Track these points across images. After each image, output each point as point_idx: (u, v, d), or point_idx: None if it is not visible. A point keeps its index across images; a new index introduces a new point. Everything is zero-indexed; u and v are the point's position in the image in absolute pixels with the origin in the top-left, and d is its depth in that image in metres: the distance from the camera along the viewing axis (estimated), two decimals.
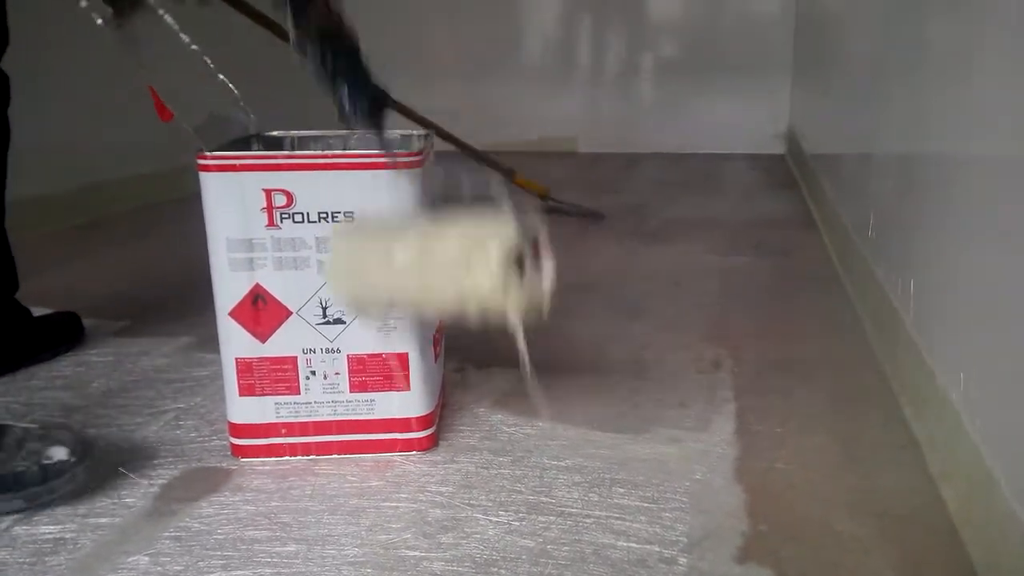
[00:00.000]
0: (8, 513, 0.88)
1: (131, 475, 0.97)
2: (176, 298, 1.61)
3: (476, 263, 0.84)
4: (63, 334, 1.36)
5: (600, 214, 2.35)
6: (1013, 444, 0.77)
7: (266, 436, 1.01)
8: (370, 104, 0.91)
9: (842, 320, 1.48)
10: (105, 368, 1.29)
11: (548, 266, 0.85)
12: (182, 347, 1.37)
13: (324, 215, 0.95)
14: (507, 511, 0.90)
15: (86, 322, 1.41)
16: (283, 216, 0.95)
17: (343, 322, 0.98)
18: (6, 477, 0.90)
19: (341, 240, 0.94)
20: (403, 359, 1.00)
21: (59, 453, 0.93)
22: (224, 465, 1.00)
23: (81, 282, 1.78)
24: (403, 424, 1.02)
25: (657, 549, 0.84)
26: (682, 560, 0.82)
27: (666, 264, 1.89)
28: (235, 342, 0.98)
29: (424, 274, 0.87)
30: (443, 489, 0.95)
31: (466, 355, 1.30)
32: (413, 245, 0.88)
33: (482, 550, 0.83)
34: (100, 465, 0.95)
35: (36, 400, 1.18)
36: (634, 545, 0.84)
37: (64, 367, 1.29)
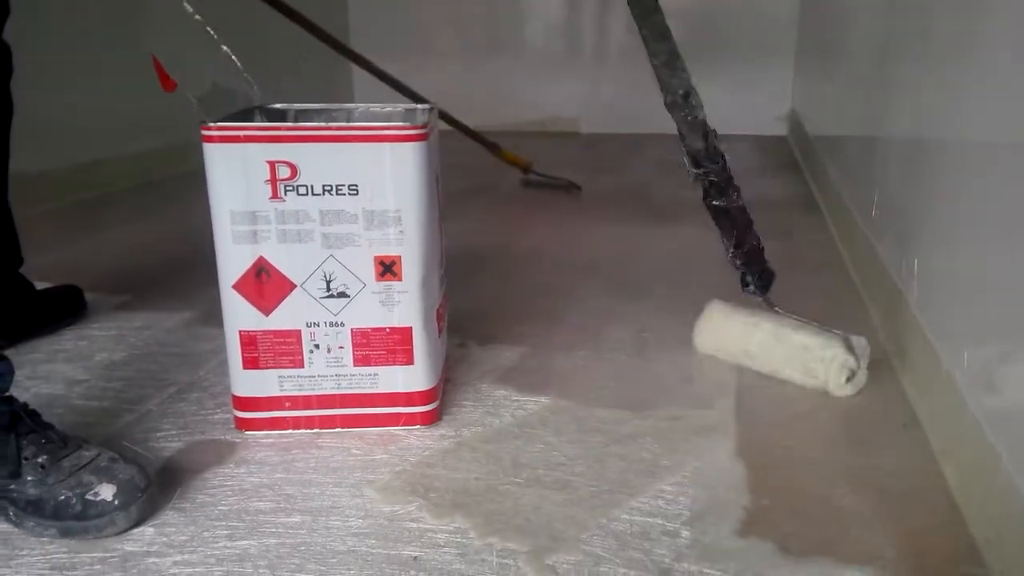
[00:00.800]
0: (40, 537, 0.82)
1: (136, 448, 0.98)
2: (178, 273, 1.61)
3: (816, 370, 1.12)
4: (65, 307, 1.36)
5: (577, 186, 2.45)
6: (1016, 421, 0.77)
7: (270, 409, 1.01)
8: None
9: (845, 300, 1.48)
10: (107, 342, 1.29)
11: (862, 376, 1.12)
12: (185, 322, 1.37)
13: (328, 187, 0.95)
14: (510, 484, 0.91)
15: (88, 296, 1.41)
16: (287, 188, 0.95)
17: (347, 296, 0.98)
18: (46, 503, 0.82)
19: (717, 306, 1.26)
20: (406, 333, 1.00)
21: (106, 492, 0.82)
22: (228, 438, 1.01)
23: (83, 257, 1.78)
24: (406, 398, 1.02)
25: (660, 522, 0.84)
26: (684, 533, 0.82)
27: (669, 244, 1.89)
28: (239, 315, 0.98)
29: (771, 356, 1.17)
30: (446, 462, 0.95)
31: (468, 332, 1.31)
32: (770, 330, 1.18)
33: (485, 522, 0.84)
34: (144, 508, 0.85)
35: (39, 373, 1.18)
36: (637, 518, 0.85)
37: (66, 340, 1.29)
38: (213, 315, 1.34)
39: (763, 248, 1.23)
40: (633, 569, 0.77)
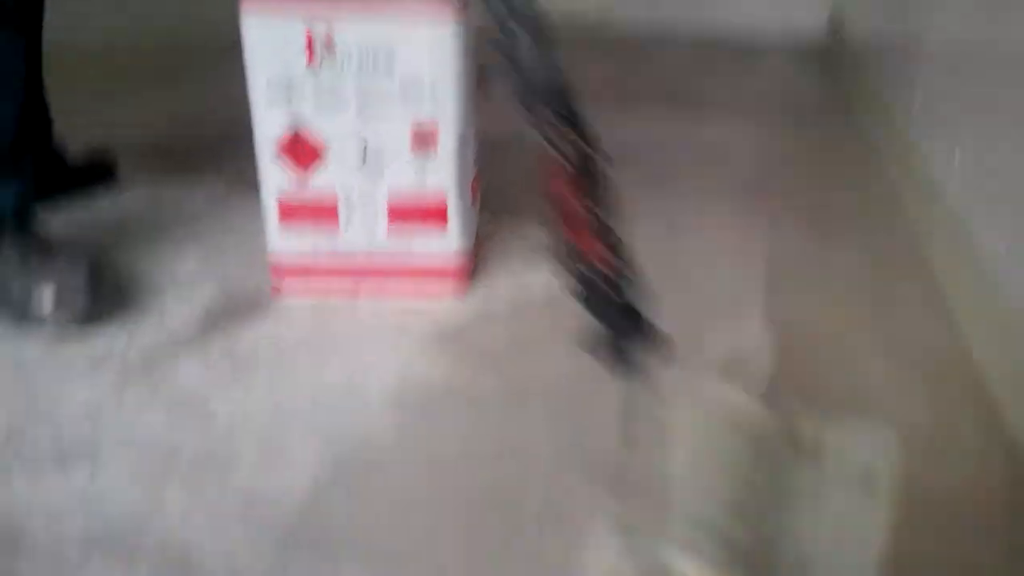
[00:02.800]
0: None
1: (177, 298, 1.00)
2: (210, 146, 1.61)
3: None
4: (99, 173, 1.37)
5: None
6: None
7: (306, 273, 1.03)
8: None
9: (879, 191, 1.47)
10: (140, 209, 1.31)
11: None
12: (219, 192, 1.37)
13: (364, 56, 0.94)
14: (543, 355, 0.92)
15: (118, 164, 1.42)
16: (324, 56, 0.94)
17: (381, 163, 0.98)
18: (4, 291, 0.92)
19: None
20: (440, 202, 1.01)
21: (47, 294, 0.91)
22: (265, 300, 1.03)
23: (112, 128, 1.78)
24: (440, 267, 1.04)
25: (687, 374, 0.86)
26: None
27: (701, 137, 1.86)
28: (275, 180, 0.99)
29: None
30: (479, 328, 0.97)
31: (499, 209, 1.31)
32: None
33: (519, 382, 0.86)
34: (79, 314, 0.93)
35: (74, 238, 1.20)
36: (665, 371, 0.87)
37: (100, 207, 1.31)
38: (246, 186, 1.35)
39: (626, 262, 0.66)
40: None
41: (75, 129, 1.37)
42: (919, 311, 1.02)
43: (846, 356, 0.91)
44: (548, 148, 0.59)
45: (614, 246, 0.62)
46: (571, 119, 0.59)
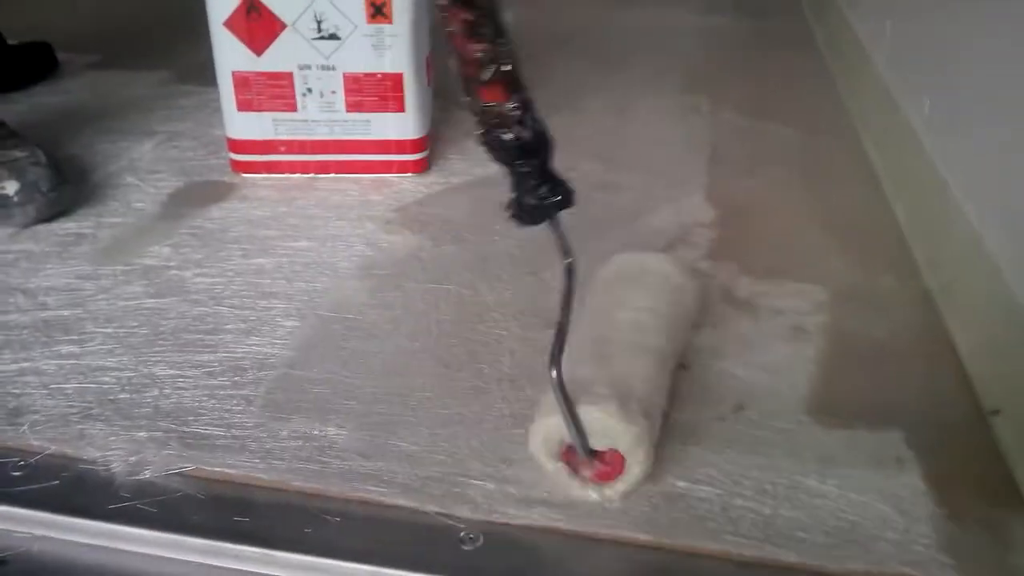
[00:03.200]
0: None
1: (138, 183, 1.01)
2: (147, 34, 1.57)
3: None
4: (38, 62, 1.33)
5: None
6: (966, 154, 0.85)
7: (265, 152, 1.04)
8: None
9: (815, 72, 1.52)
10: (85, 96, 1.28)
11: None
12: (162, 79, 1.35)
13: None
14: (503, 224, 0.96)
15: (59, 56, 1.38)
16: None
17: (338, 37, 0.99)
18: None
19: None
20: (397, 80, 1.02)
21: (10, 188, 0.91)
22: (227, 179, 1.04)
23: (45, 17, 1.70)
24: (398, 145, 1.06)
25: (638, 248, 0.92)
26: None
27: (644, 22, 1.87)
28: (230, 55, 0.99)
29: None
30: (440, 203, 1.01)
31: (450, 97, 1.32)
32: None
33: (480, 249, 0.91)
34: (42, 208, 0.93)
35: (21, 125, 1.17)
36: (619, 247, 0.92)
37: (43, 95, 1.28)
38: (190, 73, 1.34)
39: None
40: None
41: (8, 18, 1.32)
42: (851, 183, 1.09)
43: (781, 226, 0.99)
44: None
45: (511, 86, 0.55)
46: None
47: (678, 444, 0.65)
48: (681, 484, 0.61)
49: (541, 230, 0.61)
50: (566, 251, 0.62)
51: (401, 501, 0.59)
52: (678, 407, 0.69)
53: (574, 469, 0.61)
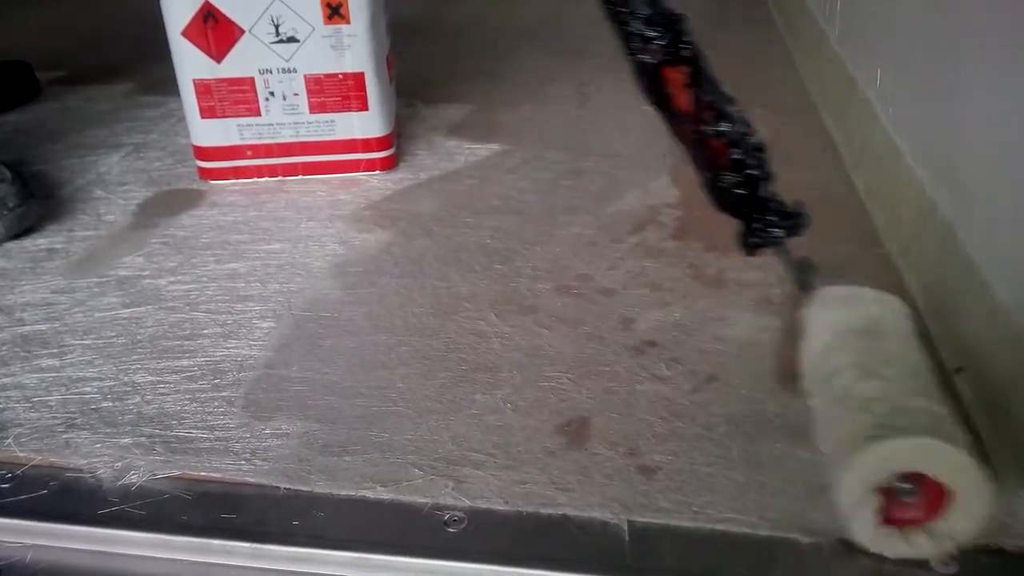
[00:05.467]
0: None
1: (107, 195, 1.01)
2: (110, 48, 1.56)
3: None
4: (19, 84, 1.32)
5: None
6: (917, 122, 0.88)
7: (232, 158, 1.05)
8: None
9: (773, 50, 1.55)
10: (51, 112, 1.28)
11: None
12: (125, 92, 1.35)
13: None
14: (473, 216, 0.98)
15: None
16: None
17: (296, 40, 1.00)
18: None
19: None
20: (359, 79, 1.03)
21: None
22: (195, 187, 1.05)
23: (6, 33, 1.70)
24: (364, 144, 1.07)
25: (607, 233, 0.94)
26: (630, 240, 0.93)
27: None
28: (190, 63, 0.99)
29: None
30: (409, 199, 1.02)
31: (414, 94, 1.33)
32: None
33: (453, 245, 0.92)
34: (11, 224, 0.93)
35: None
36: (588, 231, 0.95)
37: (7, 113, 1.27)
38: (152, 85, 1.34)
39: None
40: (585, 260, 0.88)
41: None
42: (812, 158, 1.12)
43: None
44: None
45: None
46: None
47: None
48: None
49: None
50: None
51: (384, 490, 0.61)
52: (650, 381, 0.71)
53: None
